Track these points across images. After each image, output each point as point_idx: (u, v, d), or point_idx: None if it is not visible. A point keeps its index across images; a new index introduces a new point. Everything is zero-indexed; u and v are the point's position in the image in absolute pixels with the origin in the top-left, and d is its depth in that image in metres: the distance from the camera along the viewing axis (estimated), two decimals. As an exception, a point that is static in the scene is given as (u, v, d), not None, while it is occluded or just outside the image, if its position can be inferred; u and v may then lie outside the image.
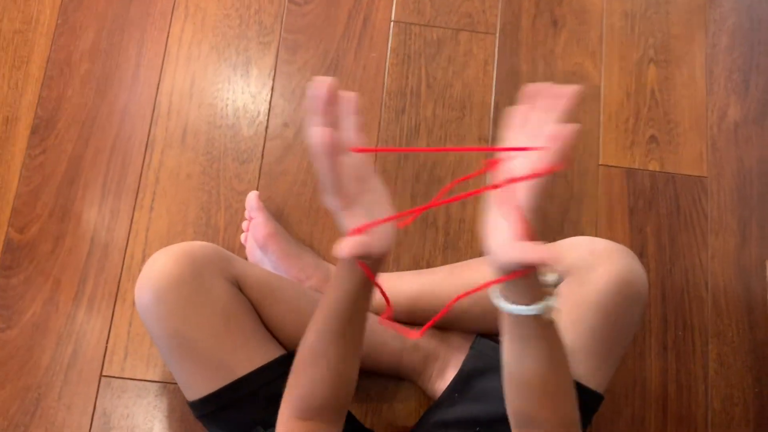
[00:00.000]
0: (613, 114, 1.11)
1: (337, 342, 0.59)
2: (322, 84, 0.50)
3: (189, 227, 1.00)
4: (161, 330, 0.73)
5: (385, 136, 1.06)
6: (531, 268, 0.50)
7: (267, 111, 1.06)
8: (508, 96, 1.10)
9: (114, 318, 0.96)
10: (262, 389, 0.74)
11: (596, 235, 1.00)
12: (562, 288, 0.77)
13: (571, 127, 0.47)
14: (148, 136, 1.04)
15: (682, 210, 1.07)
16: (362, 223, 0.52)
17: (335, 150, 0.50)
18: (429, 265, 1.01)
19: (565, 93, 0.50)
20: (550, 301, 0.52)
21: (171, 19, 1.10)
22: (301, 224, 1.02)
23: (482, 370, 0.83)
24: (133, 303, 0.89)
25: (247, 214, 0.98)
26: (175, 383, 0.86)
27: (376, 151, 0.58)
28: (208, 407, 0.74)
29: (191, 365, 0.74)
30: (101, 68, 1.07)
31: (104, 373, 0.94)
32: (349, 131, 0.53)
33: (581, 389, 0.69)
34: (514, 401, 0.59)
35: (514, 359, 0.57)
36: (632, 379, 0.99)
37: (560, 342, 0.56)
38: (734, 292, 1.04)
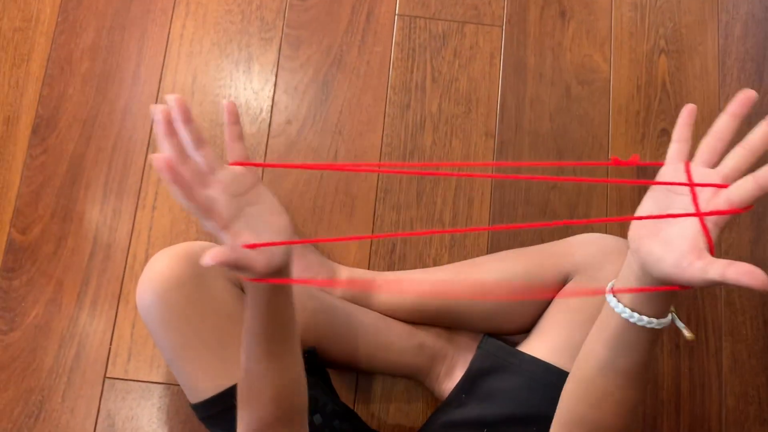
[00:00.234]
0: (623, 107, 1.08)
1: (267, 361, 0.56)
2: (167, 105, 0.46)
3: (192, 226, 0.99)
4: (163, 331, 0.72)
5: (389, 133, 1.04)
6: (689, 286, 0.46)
7: (270, 108, 1.05)
8: (515, 90, 1.08)
9: (117, 319, 0.95)
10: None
11: (606, 232, 0.98)
12: (572, 286, 0.75)
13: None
14: (150, 134, 1.03)
15: (694, 204, 1.05)
16: (247, 242, 0.48)
17: (185, 176, 0.46)
18: (435, 264, 1.00)
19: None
20: (673, 317, 0.50)
21: (172, 15, 1.08)
22: (306, 222, 1.01)
23: (490, 369, 0.82)
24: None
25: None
26: (179, 385, 0.85)
27: (255, 165, 0.53)
28: (212, 409, 0.73)
29: (194, 367, 0.73)
30: (102, 66, 1.06)
31: (108, 375, 0.93)
32: (206, 153, 0.49)
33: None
34: (578, 405, 0.57)
35: (601, 365, 0.53)
36: (644, 377, 0.97)
37: (653, 356, 0.54)
38: (748, 288, 1.01)
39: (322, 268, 0.92)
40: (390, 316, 0.89)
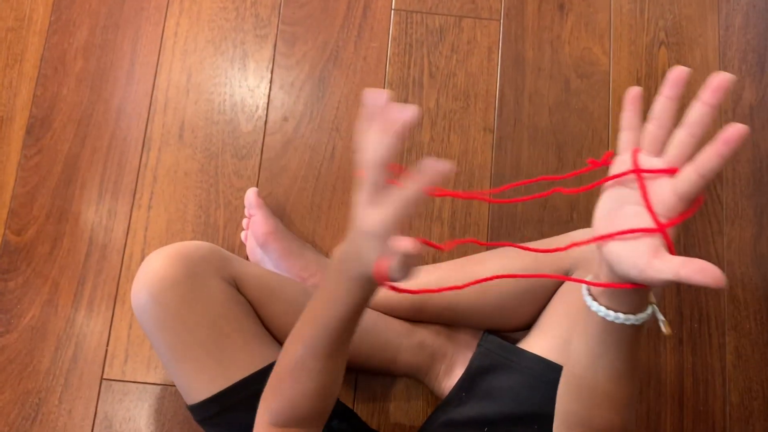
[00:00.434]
0: (623, 100, 1.07)
1: (326, 359, 0.56)
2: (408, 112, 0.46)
3: (188, 226, 0.98)
4: (158, 332, 0.71)
5: (387, 128, 1.03)
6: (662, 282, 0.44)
7: (266, 105, 1.04)
8: (514, 84, 1.07)
9: (114, 320, 0.94)
10: (263, 392, 0.72)
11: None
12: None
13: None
14: (145, 133, 1.02)
15: (696, 198, 1.03)
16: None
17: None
18: (434, 260, 0.99)
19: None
20: (654, 310, 0.48)
21: (166, 13, 1.07)
22: (304, 221, 1.00)
23: (490, 367, 0.81)
24: (132, 305, 0.87)
25: (246, 211, 0.96)
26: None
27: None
28: (209, 411, 0.72)
29: (190, 368, 0.72)
30: (96, 65, 1.05)
31: (105, 377, 0.92)
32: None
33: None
34: (571, 403, 0.56)
35: (588, 362, 0.52)
36: (647, 373, 0.96)
37: (639, 349, 0.53)
38: (751, 282, 1.00)
39: (320, 267, 0.92)
40: (389, 314, 0.88)
